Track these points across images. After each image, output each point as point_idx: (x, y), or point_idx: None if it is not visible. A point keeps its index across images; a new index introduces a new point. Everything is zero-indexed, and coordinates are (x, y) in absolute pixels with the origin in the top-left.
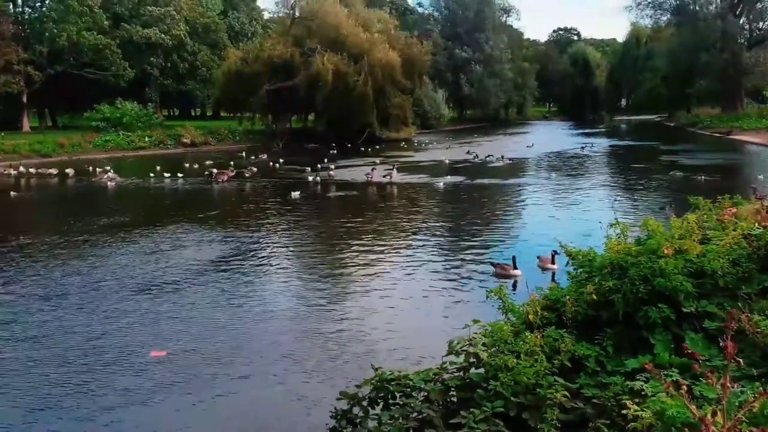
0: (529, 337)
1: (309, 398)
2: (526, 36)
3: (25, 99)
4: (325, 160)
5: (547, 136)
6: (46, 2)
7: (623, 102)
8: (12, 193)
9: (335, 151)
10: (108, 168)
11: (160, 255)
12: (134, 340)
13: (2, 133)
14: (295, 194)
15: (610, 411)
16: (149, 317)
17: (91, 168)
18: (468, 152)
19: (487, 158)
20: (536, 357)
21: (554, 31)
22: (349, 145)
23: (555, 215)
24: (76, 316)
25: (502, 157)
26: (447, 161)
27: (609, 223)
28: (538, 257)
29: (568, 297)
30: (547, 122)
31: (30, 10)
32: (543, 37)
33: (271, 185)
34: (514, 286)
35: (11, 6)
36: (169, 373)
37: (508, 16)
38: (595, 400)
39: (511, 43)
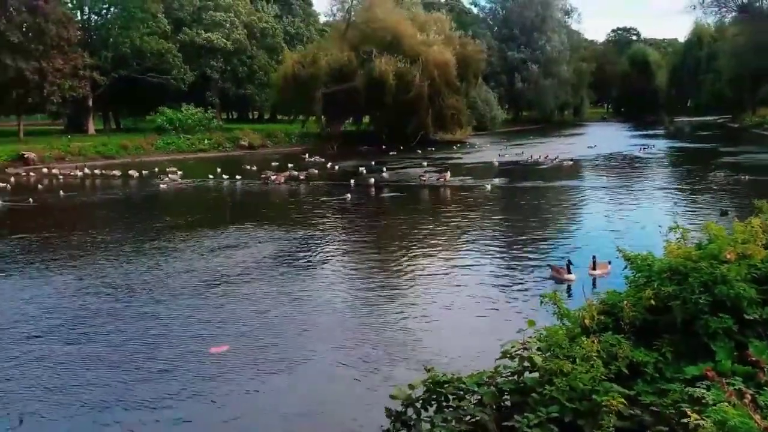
0: (585, 342)
1: (363, 395)
2: (584, 36)
3: (90, 103)
4: (376, 162)
5: (605, 138)
6: (112, 9)
7: (684, 103)
8: (61, 192)
9: (389, 153)
10: (174, 169)
11: (220, 253)
12: (196, 335)
13: (69, 136)
14: (348, 196)
15: (670, 419)
16: (209, 312)
17: (156, 169)
18: (522, 154)
19: (542, 159)
20: (592, 362)
21: (613, 31)
22: (403, 147)
23: (612, 218)
24: (141, 311)
25: (557, 158)
26: (497, 162)
27: (669, 226)
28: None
29: (625, 302)
30: (605, 124)
31: (96, 17)
32: (601, 37)
33: (325, 187)
34: (569, 290)
35: (79, 13)
36: (230, 367)
37: (569, 17)
38: (653, 408)
39: (569, 44)
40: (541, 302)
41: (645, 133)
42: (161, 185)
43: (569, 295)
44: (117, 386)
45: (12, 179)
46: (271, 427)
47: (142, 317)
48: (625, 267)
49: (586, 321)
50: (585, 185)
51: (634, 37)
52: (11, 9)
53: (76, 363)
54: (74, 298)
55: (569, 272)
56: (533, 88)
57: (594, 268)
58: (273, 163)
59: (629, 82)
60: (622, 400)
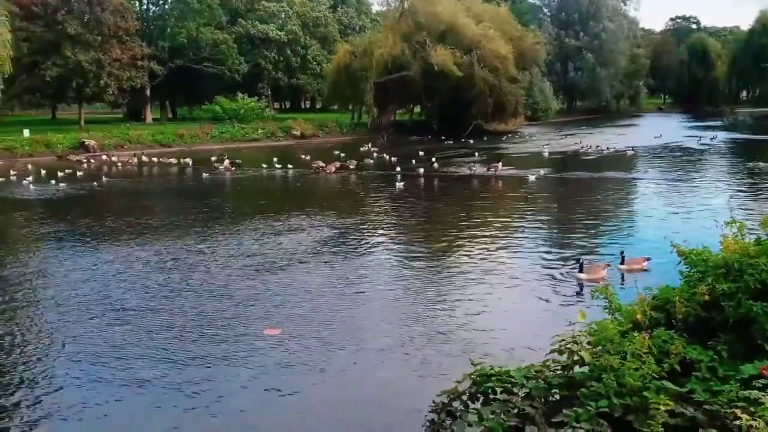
0: (637, 337)
1: (410, 385)
2: (641, 25)
3: (148, 92)
4: (427, 152)
5: (662, 129)
6: (169, 0)
7: (745, 93)
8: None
9: (440, 143)
10: (226, 156)
11: (274, 239)
12: (250, 317)
13: (128, 124)
14: (399, 185)
15: (723, 419)
16: (263, 296)
17: (214, 158)
18: (580, 144)
19: (597, 149)
20: (643, 359)
21: (671, 20)
22: (454, 138)
23: (666, 211)
24: (197, 293)
25: (613, 148)
26: (547, 153)
27: (725, 221)
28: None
29: (678, 297)
30: (661, 114)
31: (154, 8)
32: (659, 26)
33: (375, 176)
34: (581, 289)
35: (137, 4)
36: (283, 351)
37: (625, 4)
38: (706, 407)
39: (625, 32)
40: (593, 296)
41: (703, 124)
42: (214, 172)
43: (578, 294)
44: (167, 363)
45: (74, 166)
46: (330, 409)
47: (200, 296)
48: (679, 262)
49: (638, 316)
50: (641, 176)
51: (694, 26)
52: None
53: (139, 334)
54: (138, 276)
55: (580, 270)
56: (588, 76)
57: (622, 263)
58: (336, 152)
59: (688, 71)
60: (671, 402)
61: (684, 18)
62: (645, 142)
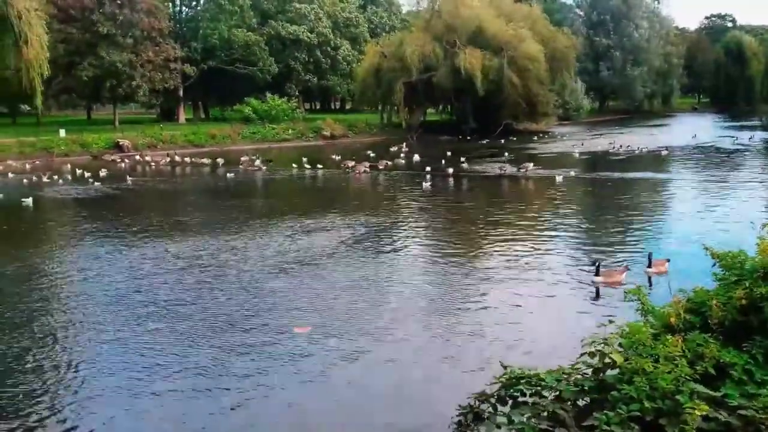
0: (670, 340)
1: (440, 381)
2: (675, 24)
3: (181, 93)
4: (456, 152)
5: (695, 128)
6: (201, 1)
7: None
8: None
9: (470, 143)
10: (258, 157)
11: (303, 237)
12: (279, 315)
13: (161, 125)
14: (427, 185)
15: (758, 424)
16: (292, 293)
17: (247, 157)
18: (610, 144)
19: (628, 149)
20: (676, 362)
21: (706, 18)
22: (484, 137)
23: (700, 212)
24: (228, 289)
25: (638, 148)
26: (577, 153)
27: (763, 223)
28: (595, 263)
29: (714, 301)
30: (695, 114)
31: (187, 10)
32: (693, 24)
33: (404, 176)
34: (597, 294)
35: (170, 6)
36: (313, 348)
37: (659, 3)
38: (740, 411)
39: (658, 30)
40: (625, 297)
41: (739, 124)
42: (245, 172)
43: (595, 297)
44: (199, 359)
45: (108, 165)
46: (364, 404)
47: (233, 292)
48: (714, 264)
49: (672, 319)
50: (674, 177)
51: (730, 24)
52: (109, 2)
53: (172, 334)
54: (172, 271)
55: (597, 274)
56: (619, 76)
57: (650, 266)
58: (366, 152)
59: (723, 70)
60: (706, 407)
61: (719, 16)
62: (679, 142)
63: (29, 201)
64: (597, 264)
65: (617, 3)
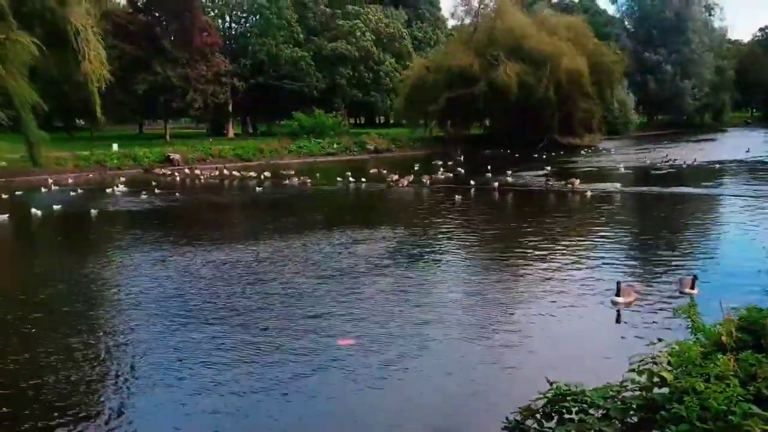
0: (721, 359)
1: (479, 395)
2: (728, 36)
3: (230, 108)
4: (501, 166)
5: (747, 143)
6: (251, 18)
7: None
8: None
9: (514, 157)
10: (295, 173)
11: (345, 249)
12: (321, 327)
13: (211, 139)
14: (472, 199)
15: None
16: (334, 306)
17: (292, 171)
18: (666, 157)
19: (677, 163)
20: (728, 381)
21: (761, 30)
22: (529, 152)
23: (750, 231)
24: (270, 301)
25: (684, 163)
26: (622, 167)
27: None
28: (680, 281)
29: None
30: (748, 129)
31: (236, 26)
32: (746, 36)
33: (448, 190)
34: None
35: (220, 22)
36: (356, 357)
37: (711, 15)
38: None
39: (710, 43)
40: (675, 314)
41: None
42: (290, 186)
43: (616, 321)
44: (241, 369)
45: (159, 179)
46: (410, 411)
47: (273, 304)
48: None
49: (723, 338)
50: (726, 192)
51: None
52: (163, 19)
53: (213, 342)
54: (220, 279)
55: (692, 287)
56: (669, 89)
57: (692, 287)
58: (409, 166)
59: None
60: (765, 425)
61: None
62: (732, 156)
63: (94, 212)
64: (618, 283)
65: (669, 15)
